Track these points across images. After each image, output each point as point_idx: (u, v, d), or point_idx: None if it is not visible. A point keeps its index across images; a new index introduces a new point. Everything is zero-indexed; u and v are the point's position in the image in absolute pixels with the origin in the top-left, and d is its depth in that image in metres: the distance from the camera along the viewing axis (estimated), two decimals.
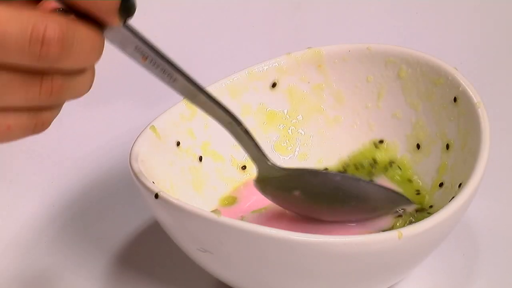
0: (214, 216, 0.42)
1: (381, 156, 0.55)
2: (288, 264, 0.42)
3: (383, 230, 0.49)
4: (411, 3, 0.78)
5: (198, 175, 0.53)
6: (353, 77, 0.56)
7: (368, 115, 0.56)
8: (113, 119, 0.66)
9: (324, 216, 0.50)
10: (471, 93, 0.50)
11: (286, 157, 0.56)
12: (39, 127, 0.37)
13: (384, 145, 0.55)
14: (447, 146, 0.51)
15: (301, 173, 0.50)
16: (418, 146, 0.54)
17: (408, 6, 0.77)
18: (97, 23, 0.36)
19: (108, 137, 0.64)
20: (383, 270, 0.44)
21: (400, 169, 0.54)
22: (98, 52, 0.36)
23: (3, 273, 0.53)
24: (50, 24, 0.34)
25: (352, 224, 0.50)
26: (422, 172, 0.53)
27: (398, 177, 0.54)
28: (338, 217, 0.50)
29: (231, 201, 0.53)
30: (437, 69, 0.52)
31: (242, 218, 0.51)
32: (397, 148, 0.55)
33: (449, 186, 0.50)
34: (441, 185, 0.51)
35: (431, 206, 0.50)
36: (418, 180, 0.53)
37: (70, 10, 0.35)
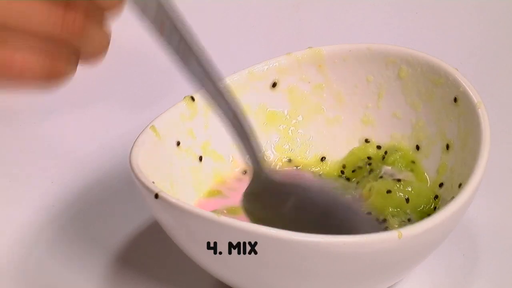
0: (214, 216, 0.42)
1: (375, 152, 0.55)
2: (288, 264, 0.42)
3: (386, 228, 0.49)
4: (411, 3, 0.78)
5: (198, 175, 0.53)
6: (353, 77, 0.56)
7: (368, 115, 0.56)
8: (113, 119, 0.66)
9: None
10: (471, 93, 0.50)
11: (285, 157, 0.56)
12: (53, 74, 0.35)
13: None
14: (447, 146, 0.51)
15: (294, 187, 0.50)
16: (417, 147, 0.54)
17: (408, 6, 0.77)
18: None
19: (108, 137, 0.64)
20: (383, 270, 0.44)
21: (398, 152, 0.54)
22: None
23: (3, 273, 0.53)
24: None
25: None
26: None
27: (400, 160, 0.53)
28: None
29: (215, 193, 0.53)
30: (437, 69, 0.52)
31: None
32: None
33: (449, 186, 0.50)
34: (441, 185, 0.51)
35: (436, 197, 0.50)
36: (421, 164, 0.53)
37: None
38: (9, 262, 0.54)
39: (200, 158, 0.53)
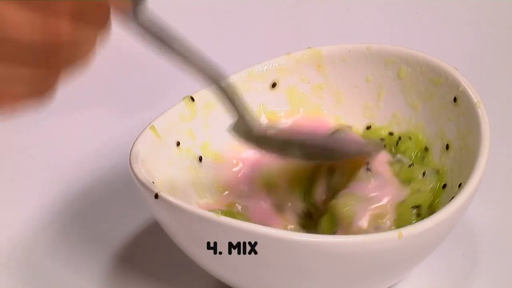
0: (214, 216, 0.42)
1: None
2: (288, 264, 0.42)
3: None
4: (411, 3, 0.78)
5: (198, 175, 0.53)
6: (353, 77, 0.56)
7: (368, 115, 0.56)
8: (113, 119, 0.66)
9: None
10: (471, 93, 0.50)
11: None
12: (44, 84, 0.32)
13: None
14: (447, 146, 0.51)
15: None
16: None
17: (408, 6, 0.77)
18: None
19: (108, 137, 0.64)
20: (383, 270, 0.44)
21: (410, 139, 0.53)
22: None
23: (3, 273, 0.53)
24: None
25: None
26: None
27: (412, 148, 0.53)
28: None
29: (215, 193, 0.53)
30: (437, 69, 0.52)
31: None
32: None
33: (449, 186, 0.50)
34: (444, 186, 0.51)
35: (445, 185, 0.50)
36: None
37: None
38: (9, 262, 0.54)
39: (200, 158, 0.53)
